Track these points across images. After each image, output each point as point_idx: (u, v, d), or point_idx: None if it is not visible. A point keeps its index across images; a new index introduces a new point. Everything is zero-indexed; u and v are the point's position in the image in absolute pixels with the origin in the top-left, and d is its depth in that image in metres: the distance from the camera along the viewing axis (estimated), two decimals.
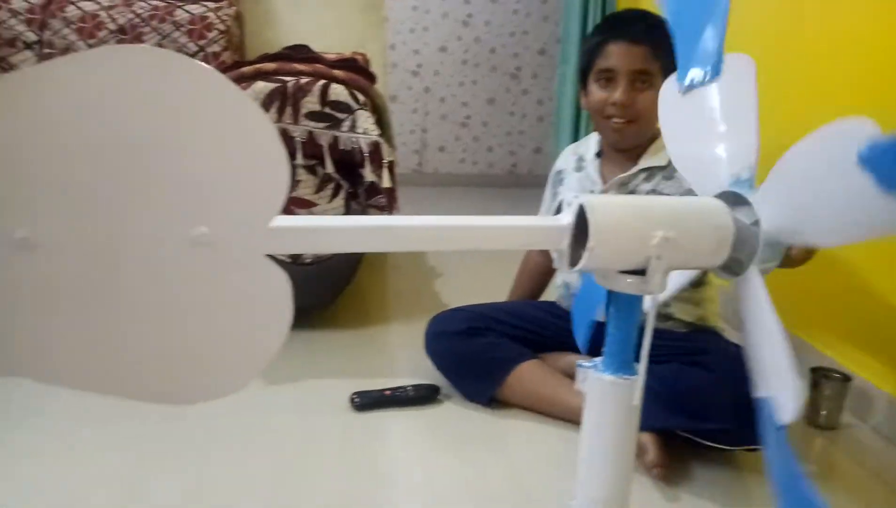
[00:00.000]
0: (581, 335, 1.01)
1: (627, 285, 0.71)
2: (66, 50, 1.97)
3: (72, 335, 0.58)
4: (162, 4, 2.05)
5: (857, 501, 1.08)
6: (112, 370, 0.60)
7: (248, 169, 0.57)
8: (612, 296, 0.75)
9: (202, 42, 2.02)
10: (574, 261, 0.69)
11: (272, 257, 0.59)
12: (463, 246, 0.69)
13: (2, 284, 0.55)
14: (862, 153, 0.54)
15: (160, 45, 2.00)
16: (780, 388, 0.69)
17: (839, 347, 1.45)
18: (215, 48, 2.03)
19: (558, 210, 0.71)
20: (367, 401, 1.29)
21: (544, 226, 0.72)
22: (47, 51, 1.97)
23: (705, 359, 1.17)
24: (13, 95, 0.52)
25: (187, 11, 2.04)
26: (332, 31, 2.39)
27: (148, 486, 1.03)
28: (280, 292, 0.58)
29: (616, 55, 1.21)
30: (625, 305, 0.75)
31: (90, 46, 1.98)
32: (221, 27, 2.04)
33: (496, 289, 1.61)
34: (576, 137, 2.88)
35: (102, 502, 0.99)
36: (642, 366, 0.74)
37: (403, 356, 1.55)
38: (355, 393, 1.30)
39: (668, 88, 0.81)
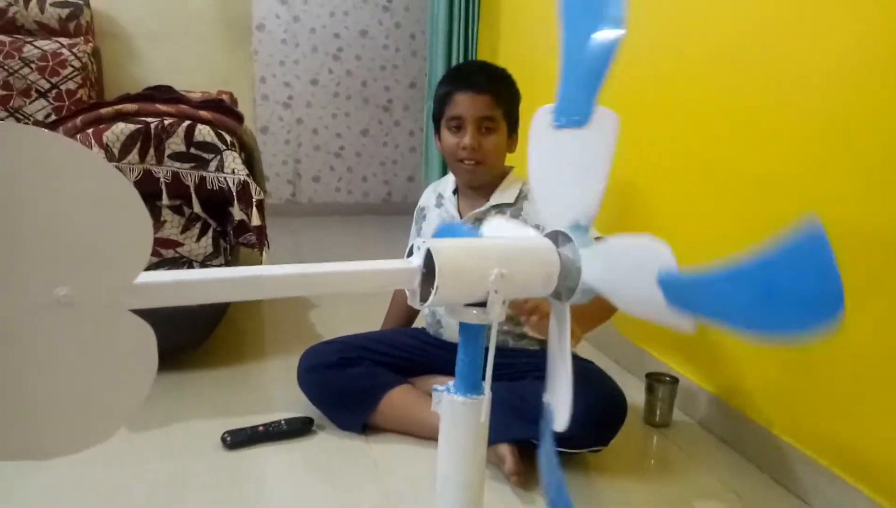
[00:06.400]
0: None
1: (472, 316, 0.82)
2: None
3: None
4: (8, 39, 1.95)
5: (689, 489, 1.25)
6: None
7: (108, 229, 0.60)
8: (461, 327, 0.86)
9: (55, 79, 1.94)
10: (424, 297, 0.79)
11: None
12: (324, 291, 0.77)
13: None
14: (660, 276, 0.68)
15: (7, 83, 1.90)
16: (559, 399, 0.86)
17: (670, 354, 1.66)
18: (70, 85, 1.96)
19: (410, 252, 0.80)
20: (239, 439, 1.29)
21: (397, 269, 0.80)
22: None
23: None
24: None
25: (37, 47, 1.95)
26: (196, 68, 2.37)
27: None
28: (144, 344, 0.62)
29: (463, 104, 1.34)
30: (471, 333, 0.86)
31: None
32: (77, 64, 1.97)
33: (373, 317, 1.67)
34: (444, 168, 3.03)
35: None
36: (487, 385, 0.84)
37: (279, 390, 1.56)
38: (227, 432, 1.30)
39: (543, 116, 0.83)
